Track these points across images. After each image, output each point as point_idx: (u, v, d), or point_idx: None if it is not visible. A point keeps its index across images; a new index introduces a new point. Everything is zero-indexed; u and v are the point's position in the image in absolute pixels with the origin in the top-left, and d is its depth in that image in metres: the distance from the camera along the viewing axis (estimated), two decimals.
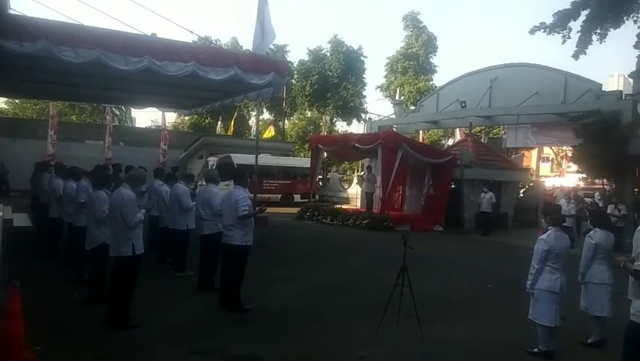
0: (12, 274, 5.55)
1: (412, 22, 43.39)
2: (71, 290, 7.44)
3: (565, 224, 11.96)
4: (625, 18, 15.69)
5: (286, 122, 46.16)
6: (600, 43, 16.04)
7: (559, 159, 40.78)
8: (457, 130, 29.26)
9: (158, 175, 10.34)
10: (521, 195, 22.64)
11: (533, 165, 33.37)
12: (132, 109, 37.57)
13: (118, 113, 39.53)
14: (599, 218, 6.71)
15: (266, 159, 24.25)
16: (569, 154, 27.66)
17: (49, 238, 9.89)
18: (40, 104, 37.74)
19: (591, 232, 6.37)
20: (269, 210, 9.36)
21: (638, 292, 4.40)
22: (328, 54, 42.25)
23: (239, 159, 22.96)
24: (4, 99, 38.83)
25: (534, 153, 33.04)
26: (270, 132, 36.17)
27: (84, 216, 7.79)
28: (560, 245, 5.71)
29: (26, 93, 20.30)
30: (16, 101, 40.45)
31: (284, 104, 42.07)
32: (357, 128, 43.57)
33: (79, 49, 8.41)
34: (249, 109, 42.88)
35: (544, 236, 5.83)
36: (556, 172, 40.65)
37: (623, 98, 17.56)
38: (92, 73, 10.46)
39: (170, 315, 6.77)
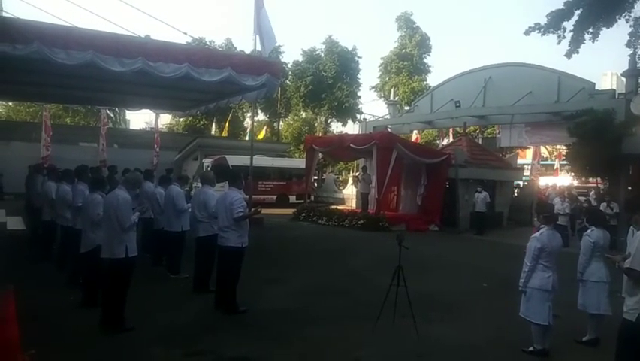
0: (6, 278, 5.52)
1: (406, 23, 43.44)
2: (66, 294, 7.39)
3: (559, 223, 12.09)
4: (617, 17, 15.76)
5: (281, 123, 46.12)
6: (593, 42, 16.08)
7: (553, 157, 40.90)
8: (451, 130, 29.37)
9: (148, 177, 10.27)
10: (516, 194, 22.73)
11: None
12: (126, 111, 37.46)
13: (112, 115, 39.40)
14: (596, 217, 6.74)
15: (261, 160, 24.25)
16: (563, 153, 27.74)
17: (43, 241, 9.84)
18: (33, 106, 37.58)
19: (589, 231, 6.39)
20: (264, 211, 9.37)
21: (632, 290, 4.43)
22: (322, 55, 42.21)
23: (234, 160, 22.93)
24: None
25: (529, 152, 33.13)
26: (262, 134, 36.10)
27: (79, 219, 7.76)
28: (553, 243, 5.74)
29: (19, 96, 20.19)
30: (10, 103, 40.28)
31: (279, 105, 42.00)
32: (352, 128, 43.67)
33: (72, 51, 8.37)
34: (244, 110, 42.80)
35: (537, 234, 5.87)
36: (550, 171, 40.71)
37: (616, 96, 17.67)
38: (86, 75, 10.42)
39: (166, 317, 6.75)
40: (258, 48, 13.29)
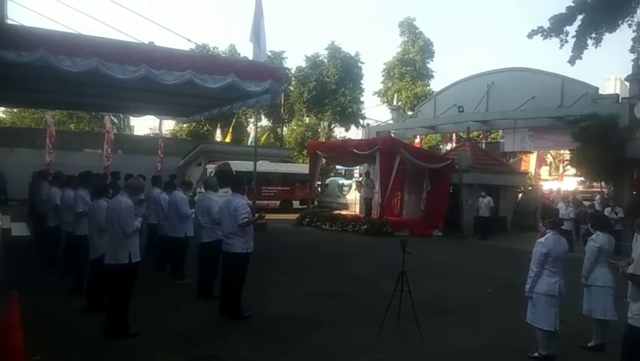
0: (10, 284, 5.55)
1: (409, 28, 43.57)
2: (70, 300, 7.40)
3: (563, 227, 12.04)
4: (620, 22, 15.77)
5: (284, 128, 46.22)
6: (595, 47, 16.10)
7: (557, 162, 40.83)
8: (455, 135, 29.40)
9: (155, 183, 10.33)
10: (519, 199, 22.67)
11: (532, 169, 33.38)
12: (131, 117, 37.58)
13: (116, 121, 39.53)
14: (601, 222, 6.72)
15: (265, 166, 24.25)
16: (567, 157, 27.71)
17: (48, 247, 9.86)
18: (38, 113, 37.76)
19: (594, 236, 6.37)
20: (268, 216, 9.36)
21: (636, 296, 4.42)
22: (326, 60, 42.34)
23: (237, 165, 22.96)
24: (2, 109, 38.96)
25: (532, 157, 33.10)
26: (263, 138, 36.10)
27: (83, 225, 7.78)
28: (558, 248, 5.72)
29: (24, 102, 20.33)
30: (14, 110, 40.50)
31: (282, 110, 42.10)
32: (355, 134, 43.61)
33: (76, 58, 8.44)
34: (247, 116, 42.93)
35: (542, 239, 5.84)
36: (555, 176, 40.66)
37: (620, 101, 17.67)
38: (90, 82, 10.50)
39: (169, 323, 6.75)
40: (248, 52, 13.28)
